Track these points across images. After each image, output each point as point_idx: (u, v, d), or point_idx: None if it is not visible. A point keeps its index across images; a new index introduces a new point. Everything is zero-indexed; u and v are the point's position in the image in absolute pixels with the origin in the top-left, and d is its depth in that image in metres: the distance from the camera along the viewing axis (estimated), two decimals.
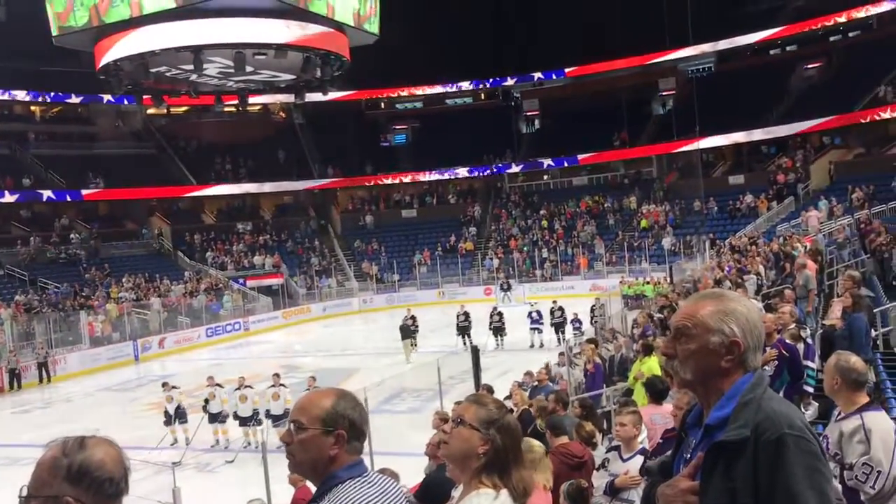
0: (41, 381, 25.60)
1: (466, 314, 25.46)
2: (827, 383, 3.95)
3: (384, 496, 2.08)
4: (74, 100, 43.71)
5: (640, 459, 5.22)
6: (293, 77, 29.44)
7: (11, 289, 33.10)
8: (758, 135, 40.34)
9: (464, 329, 25.05)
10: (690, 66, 45.59)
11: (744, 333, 1.87)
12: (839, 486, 3.57)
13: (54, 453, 1.76)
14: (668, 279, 29.54)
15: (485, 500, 2.11)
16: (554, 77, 48.51)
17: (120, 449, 1.83)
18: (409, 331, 24.46)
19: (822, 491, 1.71)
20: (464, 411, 2.23)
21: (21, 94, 42.09)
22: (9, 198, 38.45)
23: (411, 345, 24.98)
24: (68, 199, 40.61)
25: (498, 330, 25.10)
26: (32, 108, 45.19)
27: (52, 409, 21.97)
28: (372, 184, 48.79)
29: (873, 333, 8.88)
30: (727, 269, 19.49)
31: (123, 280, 35.65)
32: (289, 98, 40.85)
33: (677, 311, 2.04)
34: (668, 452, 2.19)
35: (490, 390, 11.80)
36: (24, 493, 1.76)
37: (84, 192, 40.68)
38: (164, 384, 16.51)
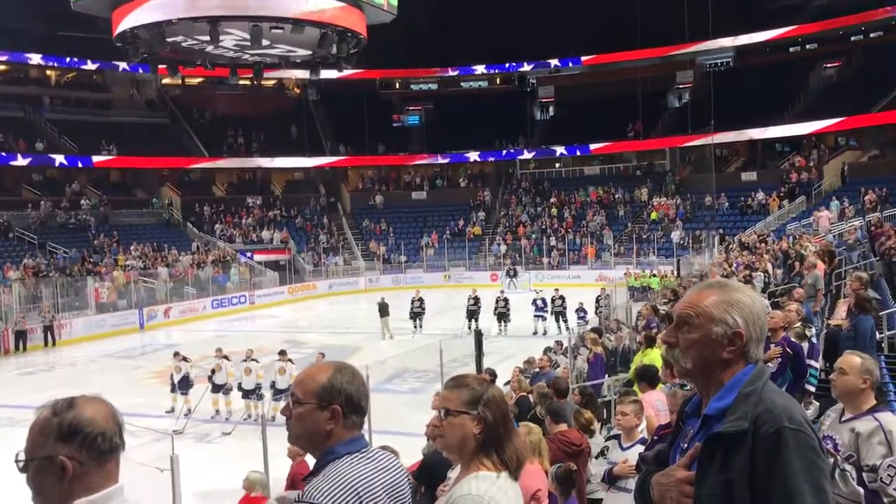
0: (46, 344, 25.77)
1: (477, 298, 25.51)
2: (848, 383, 3.74)
3: (384, 472, 2.07)
4: (90, 66, 43.66)
5: (639, 448, 5.22)
6: (309, 53, 29.40)
7: (20, 252, 33.26)
8: (773, 132, 40.08)
9: (472, 313, 25.09)
10: (709, 60, 45.27)
11: (747, 324, 1.85)
12: (860, 490, 3.52)
13: (45, 414, 1.76)
14: (675, 273, 29.49)
15: (483, 483, 2.06)
16: (570, 65, 48.19)
17: (110, 405, 1.82)
18: (386, 310, 24.80)
19: (819, 486, 1.69)
20: (447, 402, 2.18)
21: (36, 58, 42.02)
22: (21, 161, 38.54)
23: (417, 326, 25.57)
24: (80, 165, 40.64)
25: (502, 316, 25.08)
26: (48, 72, 45.20)
27: (55, 372, 22.09)
28: (383, 164, 48.76)
29: (878, 336, 8.84)
30: (735, 265, 19.42)
31: (131, 248, 35.76)
32: (304, 74, 40.81)
33: (681, 299, 2.01)
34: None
35: (493, 374, 11.85)
36: (21, 457, 1.76)
37: (96, 158, 40.73)
38: (175, 353, 16.45)
